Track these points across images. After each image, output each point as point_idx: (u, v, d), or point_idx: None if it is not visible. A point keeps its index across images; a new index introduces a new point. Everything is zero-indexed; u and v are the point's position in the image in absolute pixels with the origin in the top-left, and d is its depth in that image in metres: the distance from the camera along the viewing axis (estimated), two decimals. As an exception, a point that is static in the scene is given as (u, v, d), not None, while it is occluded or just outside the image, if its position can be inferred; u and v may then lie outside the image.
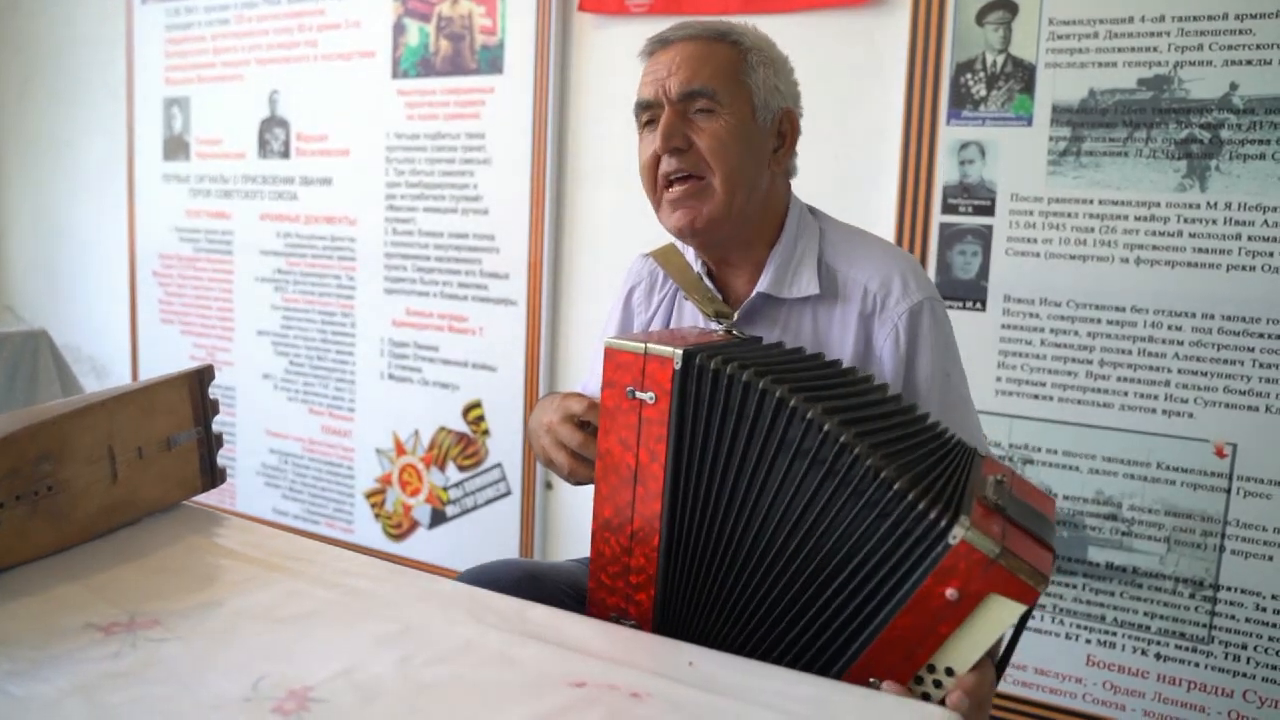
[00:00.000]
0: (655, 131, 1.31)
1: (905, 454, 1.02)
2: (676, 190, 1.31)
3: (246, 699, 0.79)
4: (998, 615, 0.95)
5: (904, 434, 1.06)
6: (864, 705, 0.86)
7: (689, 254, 1.45)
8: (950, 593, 0.95)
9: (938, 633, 0.97)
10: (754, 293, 1.36)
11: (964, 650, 0.97)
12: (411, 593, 1.02)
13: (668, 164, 1.31)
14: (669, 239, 1.49)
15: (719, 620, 1.10)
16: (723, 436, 1.06)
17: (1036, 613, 2.18)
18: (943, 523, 0.95)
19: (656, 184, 1.34)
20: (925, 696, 0.99)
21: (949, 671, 0.98)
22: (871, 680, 1.00)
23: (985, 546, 0.93)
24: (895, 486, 0.97)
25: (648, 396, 1.07)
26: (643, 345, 1.07)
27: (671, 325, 1.48)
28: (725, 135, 1.29)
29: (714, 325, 1.31)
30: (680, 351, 1.05)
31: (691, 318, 1.45)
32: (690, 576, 1.10)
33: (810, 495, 1.02)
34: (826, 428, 1.00)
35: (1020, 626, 1.07)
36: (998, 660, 1.09)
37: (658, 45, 1.35)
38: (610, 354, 1.09)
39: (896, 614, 0.98)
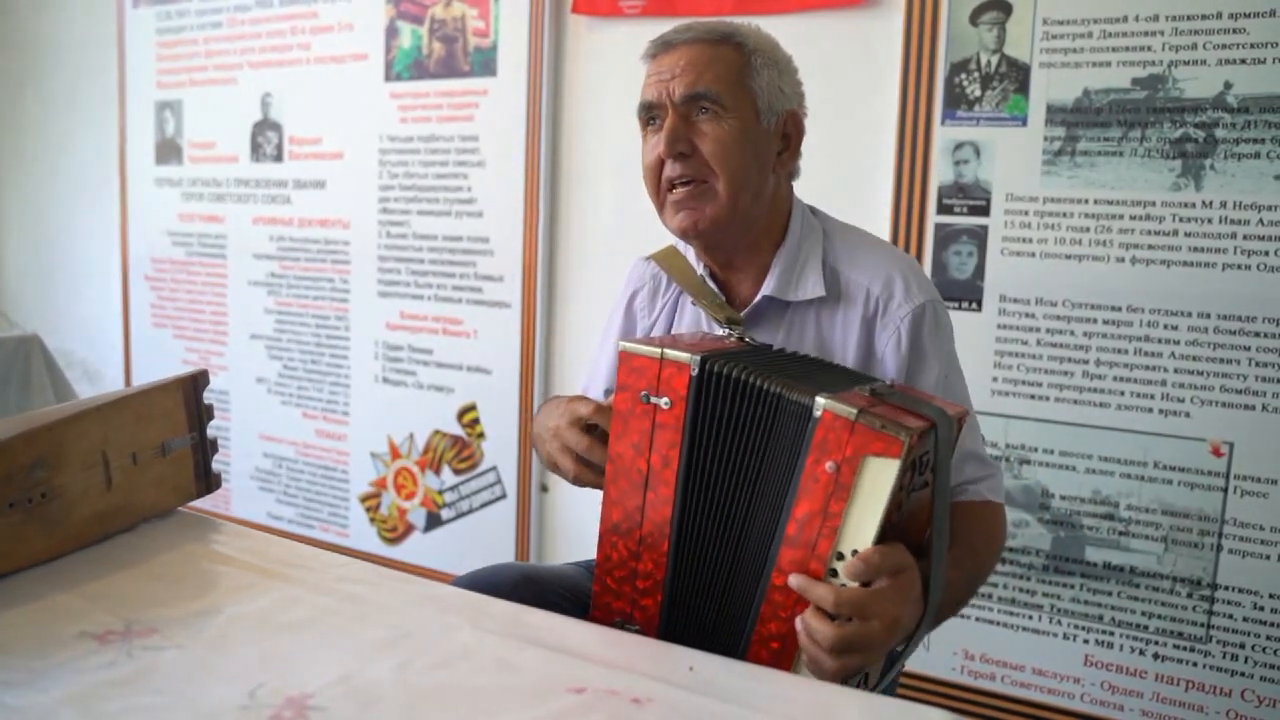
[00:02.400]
0: (659, 134, 1.30)
1: None
2: (680, 192, 1.30)
3: (244, 707, 0.79)
4: (877, 478, 0.96)
5: None
6: (865, 709, 0.86)
7: (691, 257, 1.44)
8: (829, 465, 0.98)
9: (831, 513, 0.98)
10: (759, 296, 1.36)
11: (860, 527, 0.98)
12: (409, 598, 1.01)
13: (671, 168, 1.30)
14: (665, 240, 1.48)
15: (725, 626, 1.10)
16: (737, 444, 1.06)
17: (1033, 612, 2.18)
18: (806, 401, 1.00)
19: (660, 186, 1.33)
20: (844, 588, 0.99)
21: (855, 554, 0.99)
22: (789, 582, 1.01)
23: (844, 410, 0.97)
24: (774, 390, 1.03)
25: (663, 401, 1.07)
26: (659, 350, 1.07)
27: (673, 329, 1.48)
28: (729, 139, 1.28)
29: (719, 330, 1.31)
30: (698, 358, 1.05)
31: (692, 322, 1.44)
32: (699, 584, 1.10)
33: (779, 469, 1.03)
34: (767, 386, 1.04)
35: (967, 586, 1.15)
36: (934, 597, 1.07)
37: (661, 48, 1.33)
38: (625, 357, 1.09)
39: (794, 506, 1.01)
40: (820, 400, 0.99)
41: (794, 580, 1.00)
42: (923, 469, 1.01)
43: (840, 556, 0.99)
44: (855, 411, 0.96)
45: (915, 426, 0.97)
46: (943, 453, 1.03)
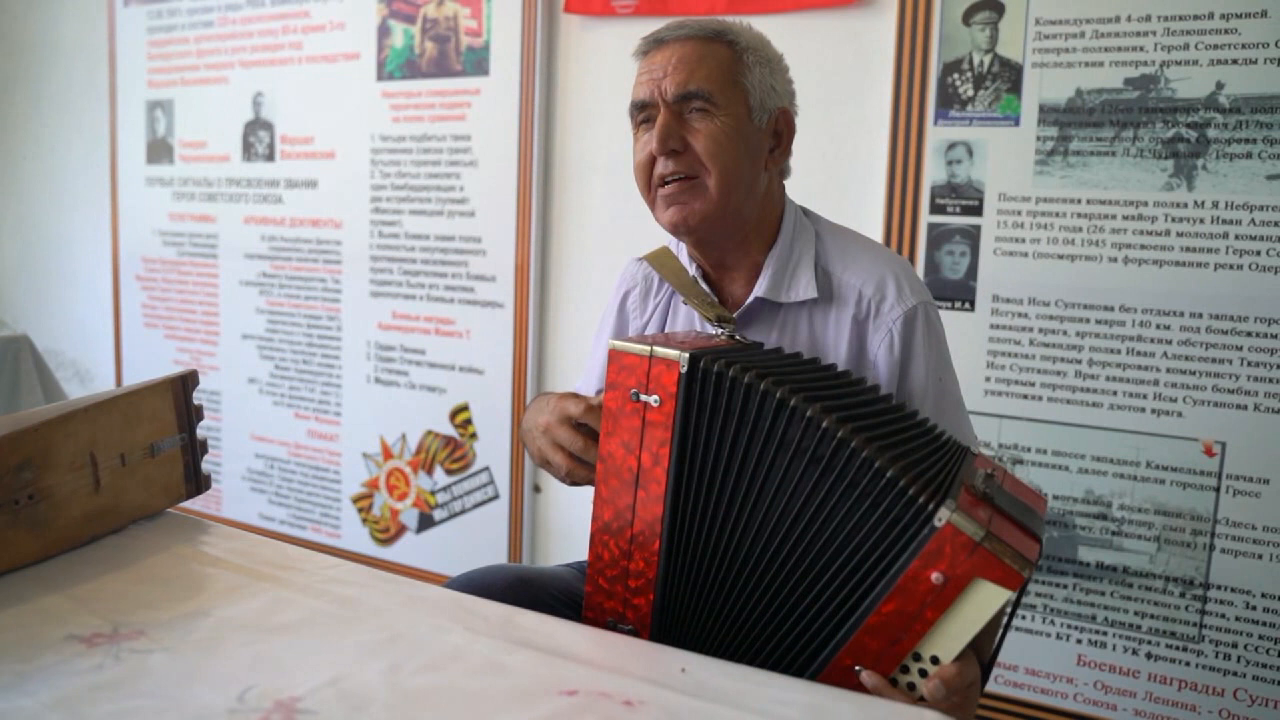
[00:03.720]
0: (651, 132, 1.30)
1: (899, 448, 1.02)
2: (670, 188, 1.30)
3: (233, 710, 0.78)
4: (983, 601, 0.94)
5: (902, 434, 1.06)
6: (860, 712, 0.85)
7: (683, 257, 1.44)
8: (936, 576, 0.95)
9: (924, 619, 0.97)
10: (751, 297, 1.35)
11: (949, 638, 0.97)
12: (399, 600, 1.00)
13: (663, 165, 1.29)
14: (658, 240, 1.48)
15: (717, 625, 1.09)
16: (726, 440, 1.05)
17: (1026, 613, 2.18)
18: (930, 506, 0.96)
19: (651, 184, 1.32)
20: (910, 687, 0.99)
21: (934, 660, 0.98)
22: (856, 668, 1.00)
23: (970, 529, 0.94)
24: (888, 475, 0.98)
25: (652, 399, 1.06)
26: (648, 348, 1.07)
27: (666, 329, 1.47)
28: (721, 137, 1.28)
29: (711, 329, 1.30)
30: (687, 355, 1.05)
31: (686, 322, 1.44)
32: (690, 581, 1.09)
33: (808, 493, 1.02)
34: (825, 424, 1.00)
35: (1006, 624, 1.06)
36: (987, 660, 1.09)
37: (652, 45, 1.33)
38: (615, 356, 1.08)
39: (883, 599, 0.99)
40: (945, 512, 0.95)
41: (868, 679, 1.00)
42: (1024, 591, 1.00)
43: (917, 657, 0.98)
44: (982, 534, 0.94)
45: (1033, 557, 0.95)
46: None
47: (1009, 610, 1.01)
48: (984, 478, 1.03)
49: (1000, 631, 1.10)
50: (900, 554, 0.97)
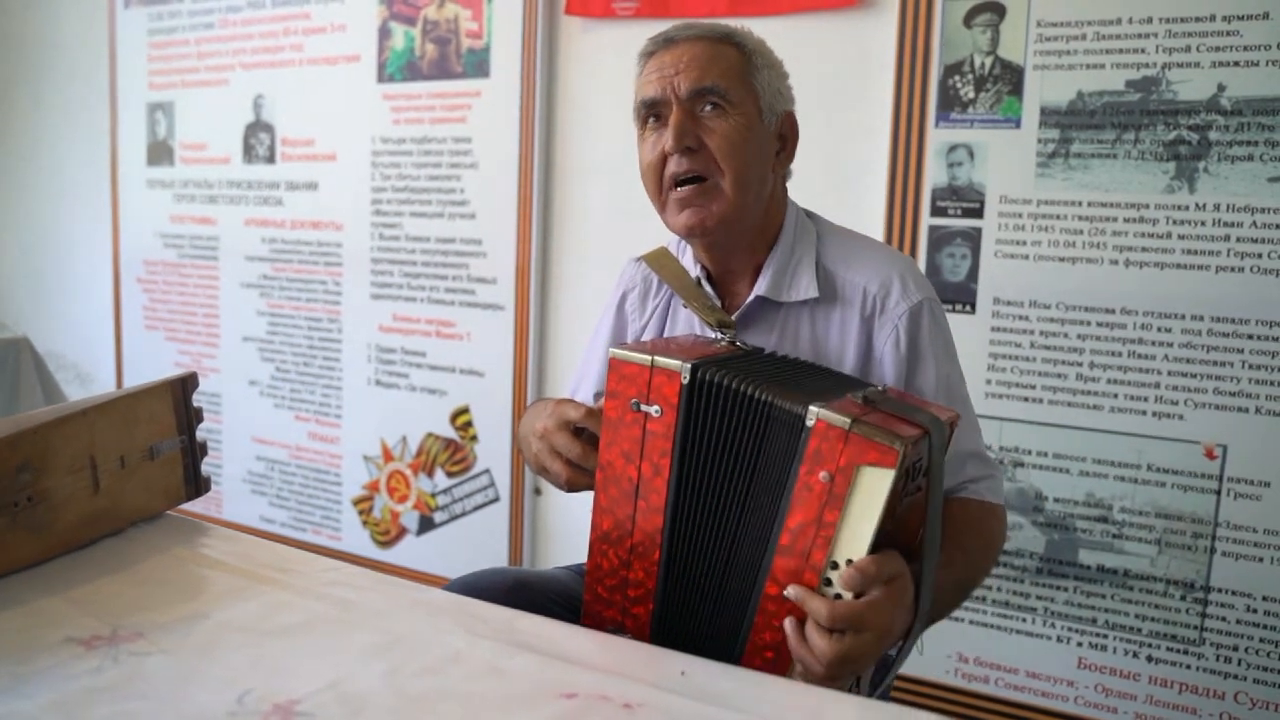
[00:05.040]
0: (660, 131, 1.29)
1: None
2: (685, 190, 1.28)
3: (231, 714, 0.78)
4: (871, 488, 0.95)
5: None
6: (858, 714, 0.85)
7: (685, 259, 1.43)
8: (822, 475, 0.97)
9: (825, 523, 0.98)
10: (752, 296, 1.35)
11: (854, 535, 0.97)
12: (399, 603, 1.00)
13: (677, 164, 1.28)
14: (658, 242, 1.48)
15: (716, 635, 1.09)
16: (728, 452, 1.05)
17: (1027, 615, 2.18)
18: (799, 410, 0.99)
19: (661, 184, 1.31)
20: (838, 598, 0.98)
21: (850, 564, 0.98)
22: (785, 593, 1.00)
23: (838, 420, 0.96)
24: (764, 398, 1.01)
25: (653, 410, 1.06)
26: (649, 357, 1.06)
27: (665, 332, 1.47)
28: (735, 136, 1.27)
29: (711, 334, 1.29)
30: (689, 365, 1.04)
31: (685, 324, 1.43)
32: (690, 592, 1.09)
33: (772, 476, 1.02)
34: (755, 394, 1.02)
35: (962, 587, 1.15)
36: (925, 602, 1.07)
37: (662, 44, 1.32)
38: (615, 365, 1.07)
39: (786, 516, 1.00)
40: (813, 409, 0.97)
41: (790, 591, 1.00)
42: (916, 475, 1.00)
43: (835, 565, 0.98)
44: (849, 421, 0.95)
45: (909, 435, 0.96)
46: (936, 457, 1.02)
47: (902, 495, 1.00)
48: (872, 390, 1.04)
49: (934, 554, 1.08)
50: (790, 468, 1.00)
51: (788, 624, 1.00)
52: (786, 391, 1.02)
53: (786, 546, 1.00)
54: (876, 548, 0.97)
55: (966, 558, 1.23)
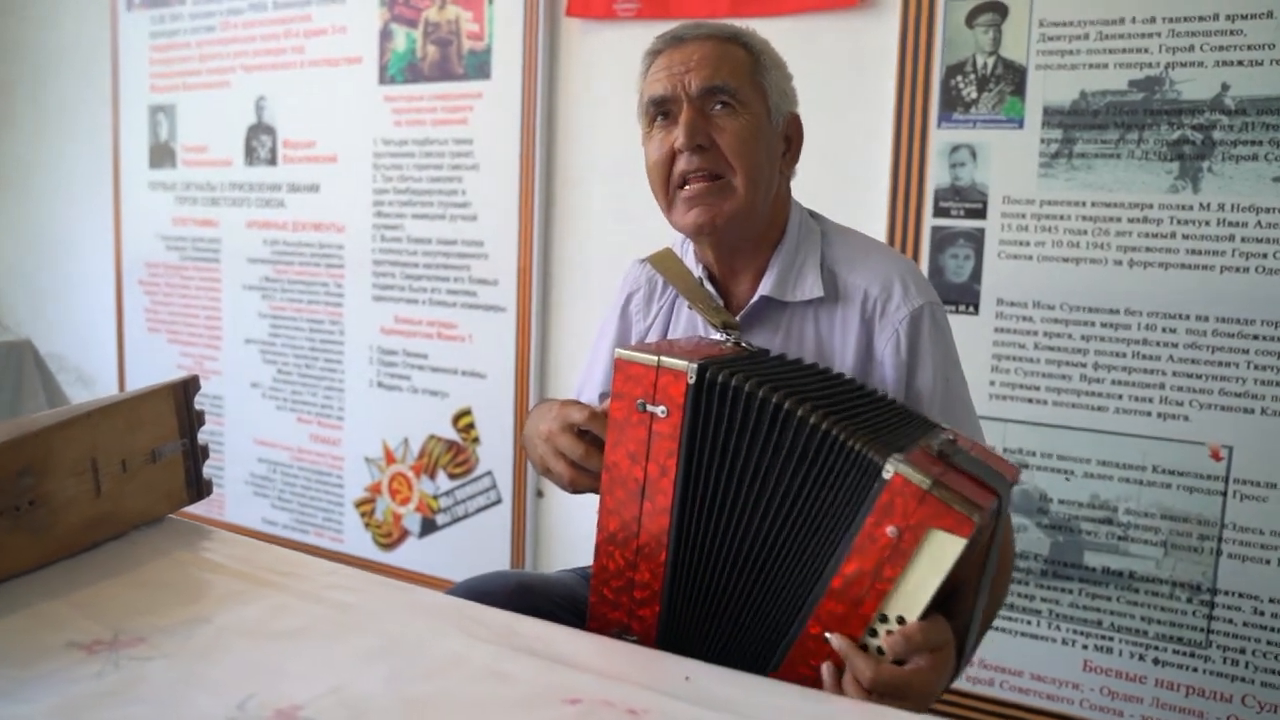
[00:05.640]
0: (669, 128, 1.29)
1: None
2: (694, 187, 1.28)
3: (233, 719, 0.77)
4: (939, 552, 0.94)
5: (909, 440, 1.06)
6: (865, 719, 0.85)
7: (688, 259, 1.43)
8: (890, 530, 0.95)
9: (883, 576, 0.96)
10: (756, 296, 1.34)
11: (911, 595, 0.96)
12: (401, 606, 1.00)
13: (687, 162, 1.27)
14: (662, 243, 1.47)
15: (724, 637, 1.08)
16: (734, 452, 1.04)
17: (1032, 618, 2.17)
18: (878, 460, 0.96)
19: (668, 182, 1.30)
20: (880, 651, 0.97)
21: (900, 621, 0.97)
22: (826, 635, 0.99)
23: (918, 479, 0.94)
24: (836, 435, 0.98)
25: (659, 410, 1.05)
26: (655, 358, 1.05)
27: (670, 332, 1.46)
28: (746, 134, 1.27)
29: (716, 335, 1.29)
30: (695, 365, 1.03)
31: (688, 325, 1.43)
32: (696, 593, 1.08)
33: (821, 508, 1.01)
34: (812, 420, 1.00)
35: (989, 619, 1.07)
36: (964, 649, 1.07)
37: (670, 42, 1.32)
38: (621, 365, 1.07)
39: (844, 560, 0.98)
40: (893, 464, 0.95)
41: (836, 642, 0.99)
42: (980, 536, 0.99)
43: (884, 619, 0.97)
44: (929, 482, 0.93)
45: (986, 504, 0.94)
46: (1000, 519, 1.02)
47: (987, 595, 1.00)
48: (944, 440, 1.03)
49: (980, 616, 1.08)
50: (856, 512, 0.98)
51: (825, 671, 0.99)
52: (860, 432, 1.00)
53: (838, 591, 0.99)
54: (930, 609, 0.96)
55: (998, 591, 1.23)
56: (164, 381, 1.19)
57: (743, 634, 1.08)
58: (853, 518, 0.98)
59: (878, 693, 0.96)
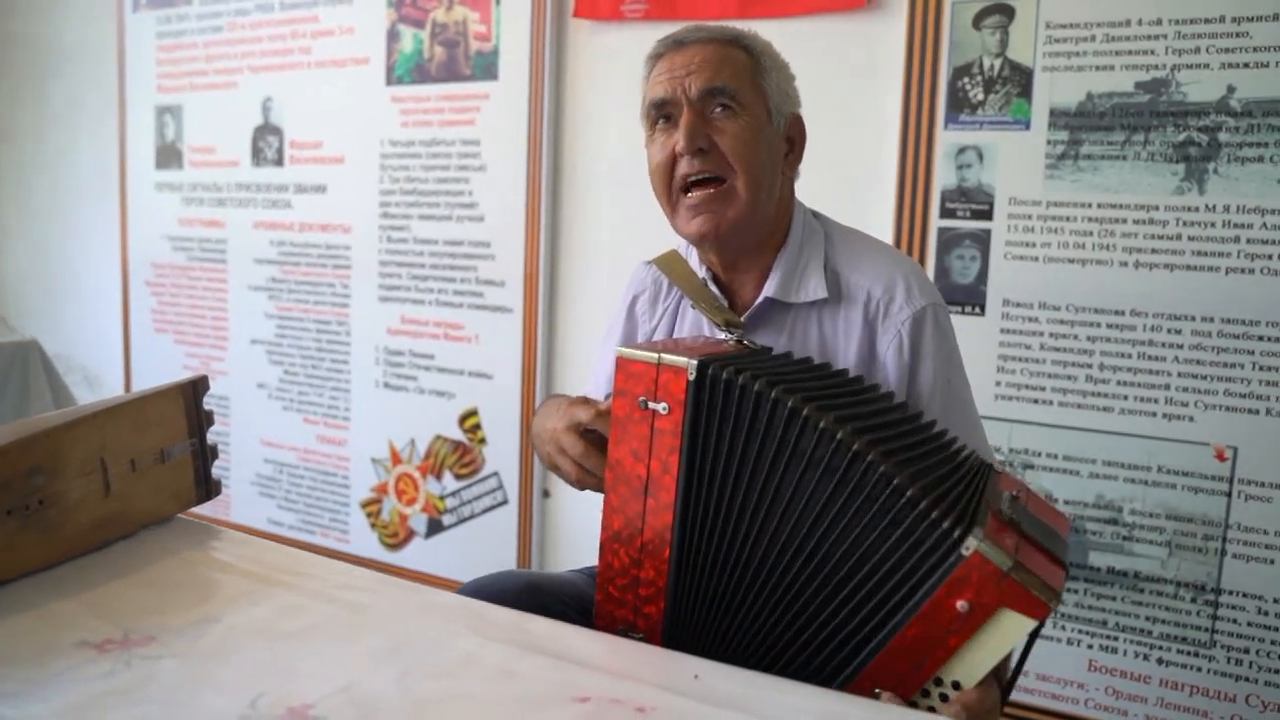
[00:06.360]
0: (670, 131, 1.29)
1: (918, 462, 1.02)
2: (697, 195, 1.29)
3: (244, 718, 0.78)
4: (1008, 629, 0.94)
5: (917, 445, 1.06)
6: (875, 718, 0.85)
7: (693, 260, 1.43)
8: (961, 604, 0.94)
9: (947, 645, 0.96)
10: (761, 297, 1.35)
11: (972, 664, 0.96)
12: (410, 606, 1.00)
13: (689, 165, 1.28)
14: (667, 244, 1.48)
15: (729, 633, 1.09)
16: (735, 448, 1.04)
17: (1038, 618, 2.17)
18: (956, 533, 0.95)
19: (671, 186, 1.31)
20: (931, 710, 0.98)
21: (955, 685, 0.97)
22: (876, 691, 0.99)
23: (998, 559, 0.93)
24: (908, 494, 0.97)
25: (660, 407, 1.05)
26: (656, 355, 1.06)
27: (675, 333, 1.47)
28: (747, 136, 1.27)
29: (720, 334, 1.30)
30: (695, 362, 1.04)
31: (694, 326, 1.43)
32: (701, 589, 1.09)
33: (823, 505, 1.01)
34: (840, 436, 0.99)
35: (1028, 646, 1.06)
36: (1006, 680, 1.08)
37: (671, 46, 1.33)
38: (622, 363, 1.07)
39: (906, 624, 0.98)
40: (974, 541, 0.94)
41: (889, 703, 0.98)
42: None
43: (939, 682, 0.98)
44: (1010, 564, 0.93)
45: (1060, 587, 0.95)
46: None
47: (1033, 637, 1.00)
48: (1009, 500, 1.02)
49: (1021, 657, 1.10)
50: (926, 579, 0.97)
51: None
52: (943, 497, 0.99)
53: (896, 650, 0.99)
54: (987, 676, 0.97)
55: None
56: (173, 381, 1.20)
57: (750, 634, 1.08)
58: (922, 583, 0.97)
59: None
